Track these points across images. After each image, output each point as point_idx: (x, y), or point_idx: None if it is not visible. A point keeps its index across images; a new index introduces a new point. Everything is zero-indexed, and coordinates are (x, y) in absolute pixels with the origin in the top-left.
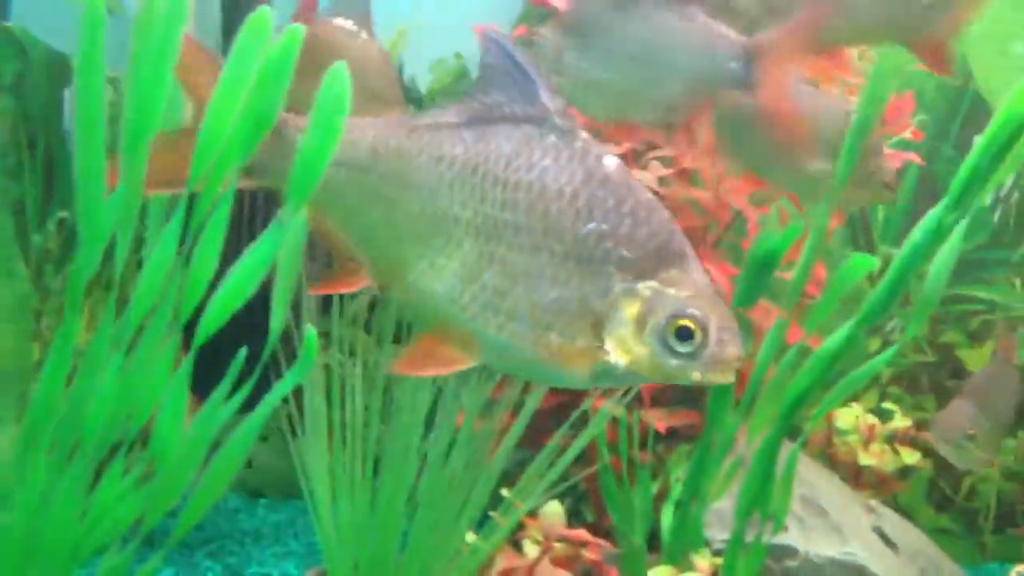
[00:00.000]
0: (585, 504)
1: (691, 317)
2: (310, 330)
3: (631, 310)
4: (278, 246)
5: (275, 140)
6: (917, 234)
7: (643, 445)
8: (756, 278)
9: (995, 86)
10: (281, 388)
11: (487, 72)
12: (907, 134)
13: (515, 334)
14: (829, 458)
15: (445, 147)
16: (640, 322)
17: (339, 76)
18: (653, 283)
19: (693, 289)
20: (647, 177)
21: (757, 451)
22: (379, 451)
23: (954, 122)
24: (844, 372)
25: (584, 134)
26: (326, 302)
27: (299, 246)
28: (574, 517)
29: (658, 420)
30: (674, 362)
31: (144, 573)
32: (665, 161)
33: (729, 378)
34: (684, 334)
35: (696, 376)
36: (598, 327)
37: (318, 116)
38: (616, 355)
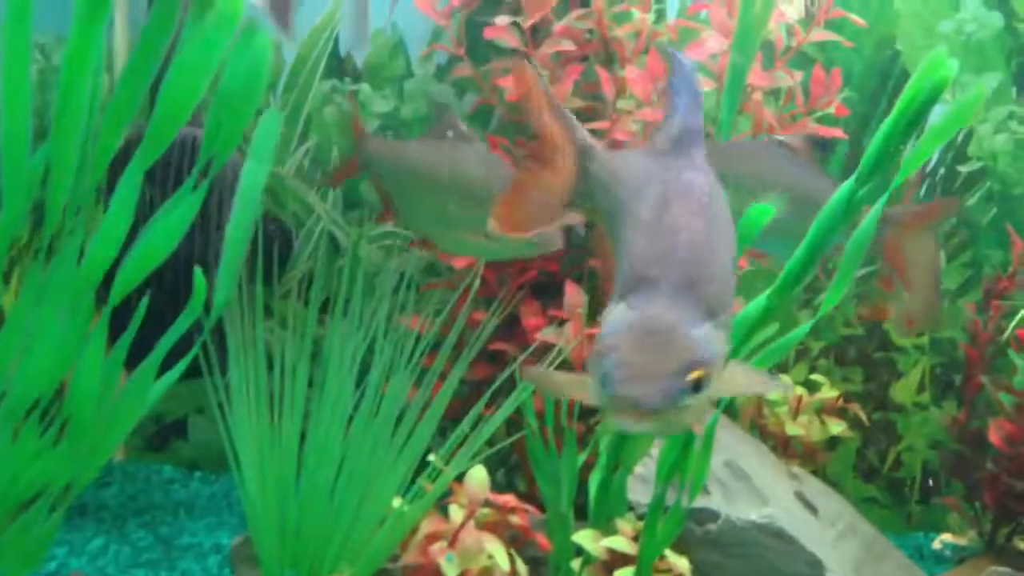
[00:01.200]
0: (518, 475)
1: None
2: (198, 273)
3: None
4: (189, 214)
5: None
6: (828, 208)
7: (573, 414)
8: None
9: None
10: (172, 335)
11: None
12: (831, 110)
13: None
14: (759, 429)
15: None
16: None
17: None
18: None
19: None
20: None
21: None
22: (306, 420)
23: (882, 100)
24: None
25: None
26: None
27: (249, 223)
28: (507, 487)
29: None
30: None
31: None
32: (597, 134)
33: None
34: None
35: None
36: None
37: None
38: None
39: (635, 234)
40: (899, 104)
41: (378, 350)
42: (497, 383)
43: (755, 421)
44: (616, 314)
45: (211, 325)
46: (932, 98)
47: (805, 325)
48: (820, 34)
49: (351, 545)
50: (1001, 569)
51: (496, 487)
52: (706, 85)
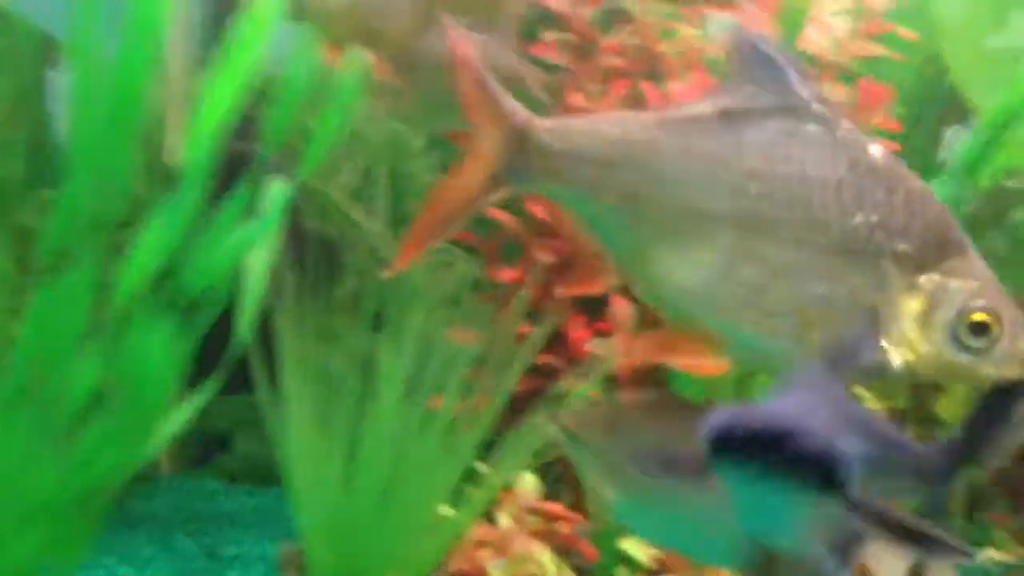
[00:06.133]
0: (562, 485)
1: (985, 310)
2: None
3: (913, 305)
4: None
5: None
6: None
7: None
8: None
9: (970, 79)
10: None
11: (736, 64)
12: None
13: (773, 330)
14: None
15: (695, 140)
16: (924, 318)
17: None
18: (935, 275)
19: (979, 279)
20: None
21: None
22: (356, 432)
23: (930, 116)
24: None
25: (847, 122)
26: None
27: (270, 247)
28: (551, 498)
29: None
30: (964, 358)
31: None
32: None
33: (1020, 372)
34: (978, 329)
35: (987, 372)
36: (873, 324)
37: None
38: (896, 353)
39: None
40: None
41: (425, 364)
42: (550, 394)
43: None
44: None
45: (248, 342)
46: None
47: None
48: (868, 48)
49: (399, 552)
50: None
51: (549, 498)
52: None
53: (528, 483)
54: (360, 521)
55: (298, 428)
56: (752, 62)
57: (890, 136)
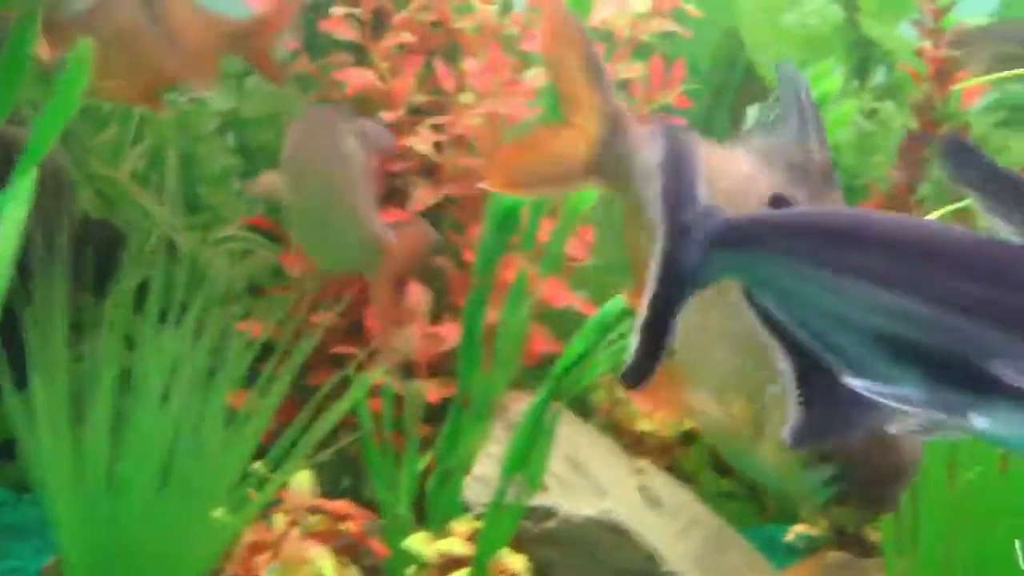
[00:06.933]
0: (366, 482)
1: None
2: None
3: None
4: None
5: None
6: None
7: (416, 416)
8: (498, 233)
9: (767, 57)
10: None
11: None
12: (670, 99)
13: None
14: (613, 426)
15: None
16: None
17: None
18: None
19: None
20: (420, 144)
21: (526, 415)
22: (118, 431)
23: (728, 93)
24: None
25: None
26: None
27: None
28: (353, 494)
29: (431, 390)
30: None
31: None
32: (439, 128)
33: None
34: None
35: None
36: None
37: None
38: None
39: None
40: None
41: (209, 356)
42: (327, 387)
43: (609, 418)
44: None
45: None
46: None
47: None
48: (659, 23)
49: (167, 561)
50: (840, 554)
51: (342, 494)
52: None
53: (303, 481)
54: (124, 529)
55: (50, 430)
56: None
57: (689, 112)
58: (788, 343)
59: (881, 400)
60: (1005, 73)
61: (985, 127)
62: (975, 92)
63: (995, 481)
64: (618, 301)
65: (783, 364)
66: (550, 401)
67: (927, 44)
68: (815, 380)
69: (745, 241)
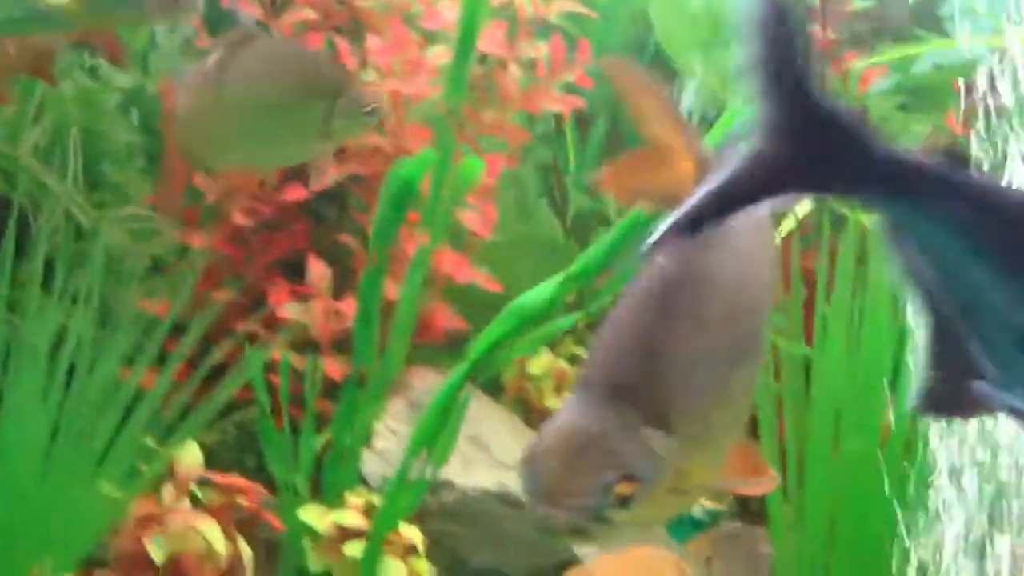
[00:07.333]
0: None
1: None
2: None
3: None
4: None
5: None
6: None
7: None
8: (394, 209)
9: (674, 41)
10: None
11: None
12: (573, 78)
13: None
14: (524, 404)
15: None
16: None
17: None
18: None
19: None
20: None
21: (438, 394)
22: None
23: None
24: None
25: None
26: None
27: None
28: (258, 472)
29: (331, 366)
30: None
31: None
32: None
33: None
34: None
35: None
36: None
37: None
38: None
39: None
40: None
41: (88, 328)
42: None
43: (519, 395)
44: (556, 414)
45: None
46: None
47: (572, 316)
48: (562, 4)
49: (54, 535)
50: (734, 525)
51: (245, 471)
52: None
53: (191, 454)
54: (7, 502)
55: None
56: None
57: (598, 93)
58: (929, 298)
59: (1003, 410)
60: (892, 53)
61: (884, 110)
62: (873, 74)
63: (875, 453)
64: (544, 290)
65: (920, 318)
66: (464, 383)
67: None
68: (951, 344)
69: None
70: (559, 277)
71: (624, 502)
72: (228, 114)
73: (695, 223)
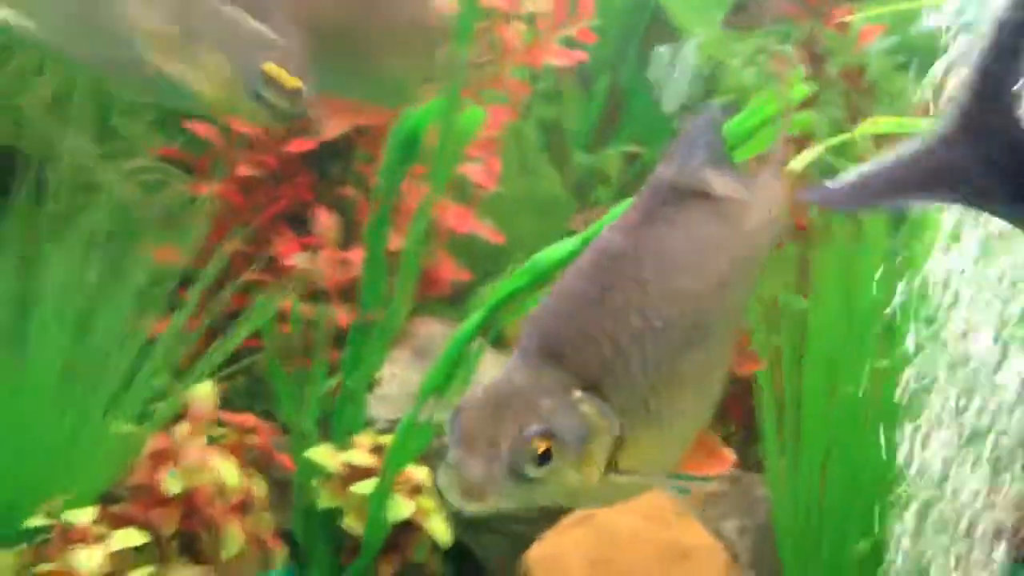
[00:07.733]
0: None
1: None
2: None
3: None
4: None
5: None
6: None
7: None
8: (400, 158)
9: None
10: None
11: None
12: (574, 33)
13: None
14: None
15: None
16: None
17: None
18: None
19: None
20: None
21: (450, 343)
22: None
23: (636, 33)
24: None
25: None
26: None
27: None
28: (269, 418)
29: (341, 315)
30: None
31: None
32: None
33: None
34: None
35: None
36: None
37: None
38: None
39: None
40: None
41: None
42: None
43: None
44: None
45: None
46: None
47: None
48: None
49: (71, 470)
50: (734, 471)
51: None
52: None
53: (203, 392)
54: (27, 439)
55: None
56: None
57: (599, 48)
58: None
59: None
60: (891, 6)
61: (880, 71)
62: (871, 32)
63: (869, 395)
64: (560, 249)
65: None
66: (475, 334)
67: None
68: None
69: None
70: (577, 237)
71: (543, 459)
72: None
73: (859, 193)
